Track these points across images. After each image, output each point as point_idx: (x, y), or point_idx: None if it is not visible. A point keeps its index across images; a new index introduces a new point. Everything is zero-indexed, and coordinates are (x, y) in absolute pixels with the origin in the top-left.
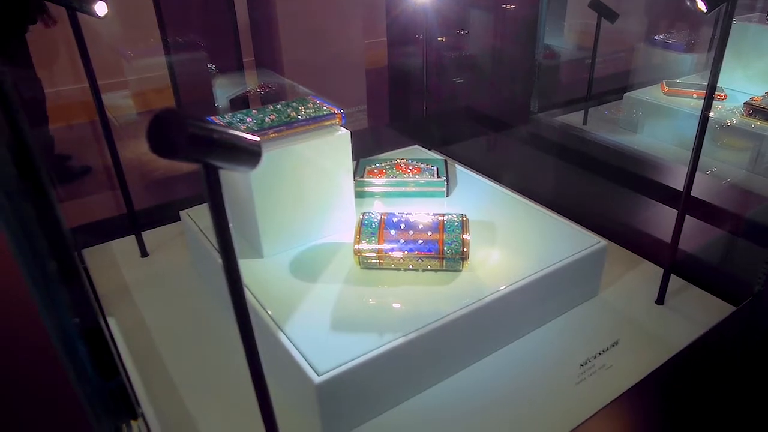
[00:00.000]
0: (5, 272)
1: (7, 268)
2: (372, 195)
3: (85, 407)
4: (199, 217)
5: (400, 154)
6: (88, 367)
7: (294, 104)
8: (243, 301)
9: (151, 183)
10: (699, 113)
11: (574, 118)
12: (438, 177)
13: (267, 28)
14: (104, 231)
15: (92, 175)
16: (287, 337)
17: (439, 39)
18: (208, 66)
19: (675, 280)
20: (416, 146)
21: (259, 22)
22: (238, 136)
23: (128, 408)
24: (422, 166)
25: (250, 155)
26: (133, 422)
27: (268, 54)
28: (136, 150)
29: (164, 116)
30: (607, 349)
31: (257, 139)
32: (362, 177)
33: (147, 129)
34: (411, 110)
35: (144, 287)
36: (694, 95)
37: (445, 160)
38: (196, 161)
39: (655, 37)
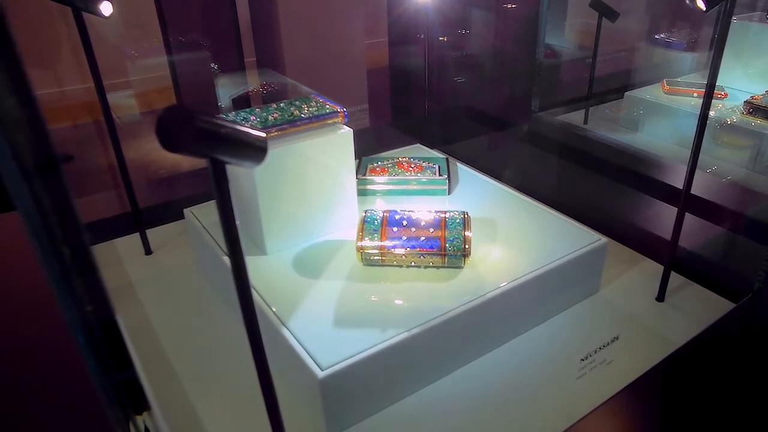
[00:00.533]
0: (25, 264)
1: (26, 259)
2: (374, 193)
3: (101, 398)
4: (202, 214)
5: (402, 153)
6: (100, 358)
7: (297, 102)
8: (248, 288)
9: (155, 181)
10: (699, 112)
11: (575, 117)
12: (440, 175)
13: (269, 27)
14: (109, 229)
15: (96, 173)
16: (291, 333)
17: (440, 39)
18: (211, 65)
19: (675, 277)
20: (418, 145)
21: (260, 22)
22: (245, 131)
23: (137, 401)
24: (424, 164)
25: (256, 150)
26: (138, 417)
27: (269, 54)
28: (140, 149)
29: (173, 112)
30: (608, 344)
31: (263, 134)
32: (364, 175)
33: (156, 124)
34: (413, 109)
35: (148, 284)
36: (695, 94)
37: (447, 159)
38: (203, 156)
39: (656, 36)
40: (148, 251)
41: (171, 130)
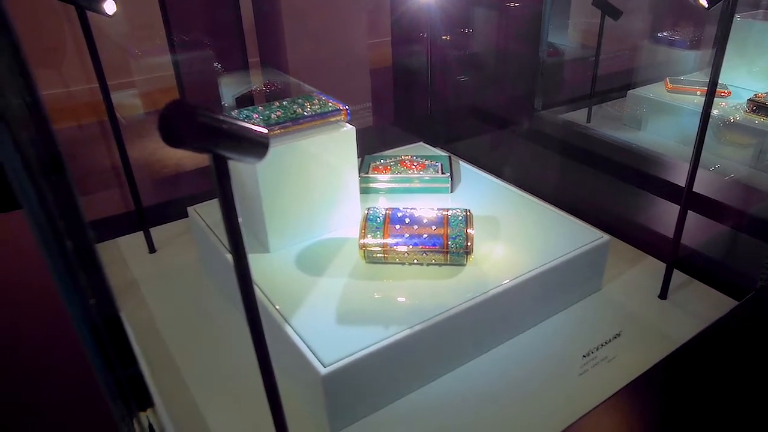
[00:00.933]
0: (29, 262)
1: (31, 257)
2: (377, 191)
3: (105, 394)
4: (206, 213)
5: (405, 151)
6: (104, 355)
7: (300, 101)
8: (251, 285)
9: (158, 180)
10: (702, 110)
11: (578, 115)
12: (442, 173)
13: (272, 27)
14: (113, 227)
15: (101, 172)
16: (294, 330)
17: (443, 37)
18: (215, 65)
19: (678, 275)
20: (421, 143)
21: (264, 21)
22: (247, 127)
23: (141, 398)
24: (426, 162)
25: (257, 146)
26: (142, 414)
27: (273, 53)
28: (145, 148)
29: (175, 107)
30: (610, 342)
31: (265, 130)
32: (367, 173)
33: (158, 119)
34: (416, 108)
35: (152, 282)
36: (698, 92)
37: (449, 157)
38: (205, 151)
39: (659, 35)
40: (152, 249)
41: (173, 124)
